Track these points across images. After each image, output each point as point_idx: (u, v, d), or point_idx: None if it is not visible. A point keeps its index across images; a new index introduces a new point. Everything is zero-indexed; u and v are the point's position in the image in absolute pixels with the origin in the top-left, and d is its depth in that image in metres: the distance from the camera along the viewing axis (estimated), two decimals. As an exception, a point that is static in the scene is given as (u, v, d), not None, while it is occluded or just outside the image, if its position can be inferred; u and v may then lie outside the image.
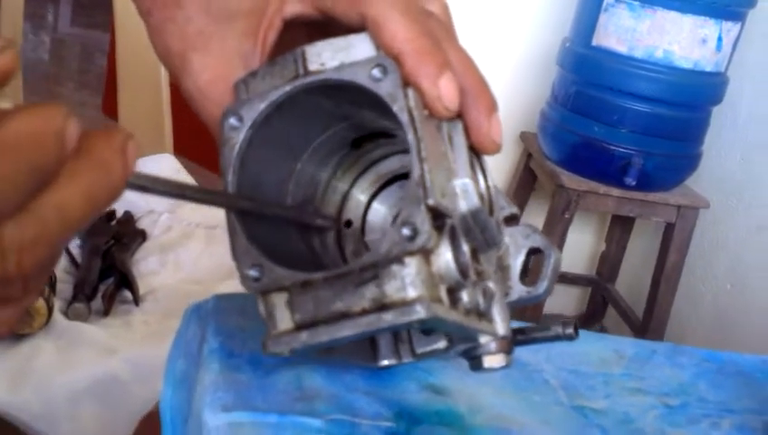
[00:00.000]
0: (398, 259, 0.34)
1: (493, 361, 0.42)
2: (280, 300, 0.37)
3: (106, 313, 1.04)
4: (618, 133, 1.81)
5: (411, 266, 0.34)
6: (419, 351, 0.43)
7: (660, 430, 0.49)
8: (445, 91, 0.36)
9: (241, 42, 0.40)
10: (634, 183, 1.80)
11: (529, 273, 0.45)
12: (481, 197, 0.39)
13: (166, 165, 1.27)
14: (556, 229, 1.87)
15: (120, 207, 1.19)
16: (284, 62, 0.38)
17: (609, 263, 2.28)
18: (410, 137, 0.35)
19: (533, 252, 0.45)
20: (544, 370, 0.53)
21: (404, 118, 0.35)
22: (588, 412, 0.49)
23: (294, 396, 0.45)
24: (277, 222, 0.41)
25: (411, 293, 0.34)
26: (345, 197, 0.46)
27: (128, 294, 1.08)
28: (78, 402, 0.88)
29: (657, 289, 2.00)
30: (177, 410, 0.52)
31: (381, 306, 0.34)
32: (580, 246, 2.32)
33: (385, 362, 0.43)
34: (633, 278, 2.28)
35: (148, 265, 1.15)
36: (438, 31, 0.38)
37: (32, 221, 0.24)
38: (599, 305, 2.36)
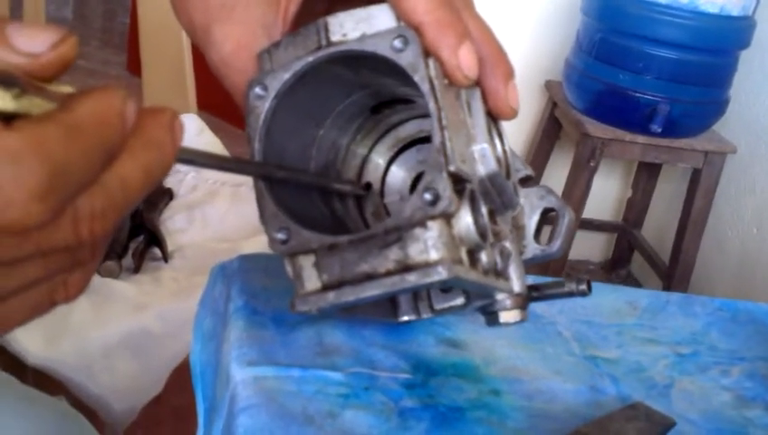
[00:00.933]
0: (421, 223, 0.36)
1: (508, 316, 0.44)
2: (307, 262, 0.38)
3: (136, 270, 1.07)
4: (643, 80, 1.79)
5: (433, 230, 0.36)
6: (438, 307, 0.45)
7: (670, 377, 0.51)
8: (464, 61, 0.37)
9: (264, 12, 0.42)
10: (660, 130, 1.79)
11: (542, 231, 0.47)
12: (498, 161, 0.40)
13: (189, 125, 1.28)
14: (581, 177, 1.87)
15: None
16: (307, 33, 0.39)
17: (635, 209, 2.28)
18: (431, 105, 0.36)
19: (548, 212, 0.47)
20: (558, 322, 0.55)
21: (425, 87, 0.36)
22: (600, 362, 0.51)
23: (316, 351, 0.47)
24: (302, 187, 0.43)
25: (433, 255, 0.35)
26: (364, 160, 0.47)
27: (157, 252, 1.11)
28: (112, 355, 0.91)
29: (683, 234, 2.00)
30: (206, 364, 0.55)
31: (405, 268, 0.36)
32: (606, 193, 2.32)
33: (405, 318, 0.45)
34: (659, 224, 2.27)
35: (175, 224, 1.18)
36: (457, 1, 0.39)
37: (101, 193, 0.26)
38: (624, 252, 2.37)
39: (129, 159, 0.26)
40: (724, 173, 1.95)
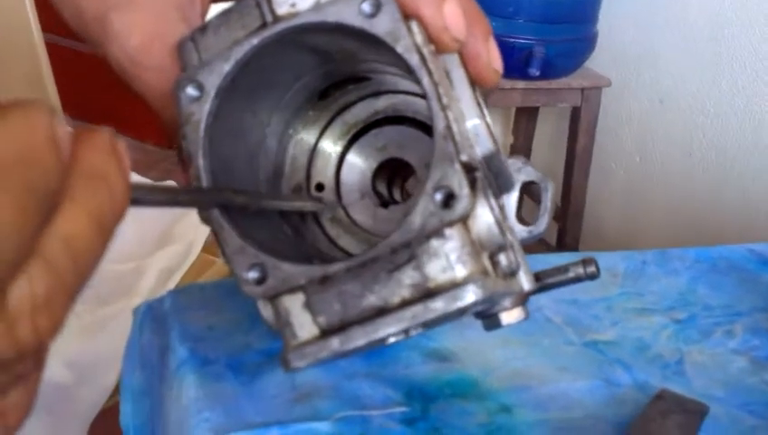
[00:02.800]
0: (437, 232, 0.28)
1: (511, 317, 0.37)
2: (294, 303, 0.30)
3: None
4: (515, 25, 1.76)
5: (454, 239, 0.28)
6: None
7: (678, 351, 0.46)
8: (451, 19, 0.29)
9: None
10: (538, 73, 1.77)
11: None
12: (492, 137, 0.33)
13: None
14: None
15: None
16: (243, 9, 0.31)
17: (519, 154, 2.28)
18: (426, 82, 0.29)
19: (527, 185, 0.40)
20: (544, 306, 0.49)
21: (413, 60, 0.28)
22: (601, 347, 0.46)
23: (290, 398, 0.39)
24: (266, 212, 0.35)
25: (460, 271, 0.28)
26: (312, 156, 0.39)
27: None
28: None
29: (571, 173, 2.01)
30: (141, 429, 0.46)
31: (426, 293, 0.28)
32: (489, 143, 2.31)
33: (392, 340, 0.38)
34: (545, 166, 2.28)
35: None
36: None
37: (41, 268, 0.17)
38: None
39: (69, 205, 0.18)
40: (602, 107, 1.97)
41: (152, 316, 0.46)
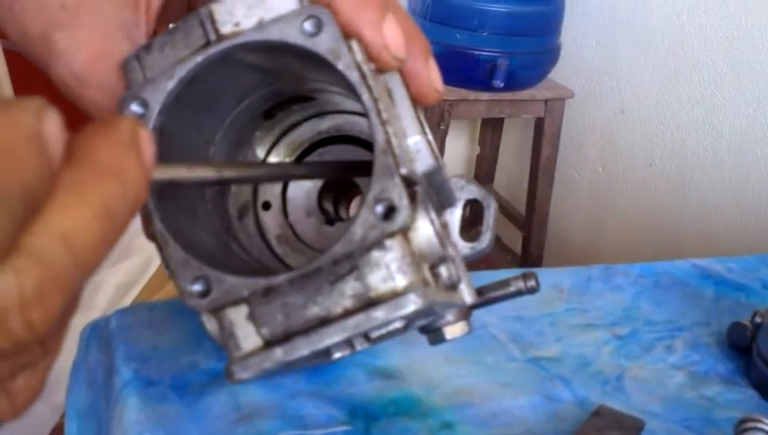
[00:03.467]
0: (378, 244, 0.29)
1: (454, 331, 0.38)
2: (238, 315, 0.30)
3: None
4: (480, 37, 1.78)
5: (395, 250, 0.29)
6: (374, 335, 0.38)
7: (618, 366, 0.47)
8: (391, 38, 0.30)
9: (118, 9, 0.33)
10: (502, 84, 1.79)
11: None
12: (434, 154, 0.34)
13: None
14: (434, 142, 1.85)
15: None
16: (187, 28, 0.31)
17: (485, 165, 2.30)
18: (366, 98, 0.30)
19: (470, 203, 0.41)
20: (488, 323, 0.50)
21: (353, 76, 0.30)
22: (544, 363, 0.46)
23: (234, 419, 0.40)
24: (195, 214, 0.35)
25: (401, 281, 0.29)
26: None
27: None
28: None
29: (535, 183, 2.03)
30: (89, 447, 0.46)
31: (368, 302, 0.29)
32: (456, 153, 2.32)
33: (338, 355, 0.38)
34: (510, 176, 2.31)
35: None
36: None
37: (30, 262, 0.18)
38: (480, 208, 2.39)
39: (72, 201, 0.18)
40: (565, 118, 1.99)
41: (98, 335, 0.46)
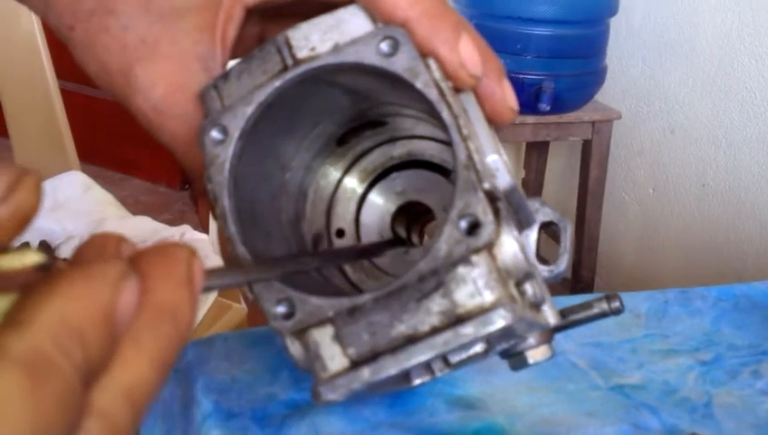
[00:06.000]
0: (464, 259, 0.28)
1: (537, 355, 0.37)
2: (323, 335, 0.30)
3: None
4: (524, 61, 1.77)
5: (481, 266, 0.29)
6: (454, 360, 0.37)
7: (705, 393, 0.45)
8: (467, 57, 0.30)
9: (196, 42, 0.33)
10: (548, 108, 1.78)
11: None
12: (510, 173, 0.33)
13: (74, 183, 1.14)
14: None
15: (33, 238, 1.06)
16: (263, 55, 0.31)
17: (531, 189, 2.28)
18: (446, 114, 0.30)
19: (545, 226, 0.40)
20: (567, 350, 0.49)
21: (432, 94, 0.29)
22: (628, 391, 0.45)
23: (317, 450, 0.39)
24: (270, 236, 0.35)
25: (488, 296, 0.28)
26: (331, 202, 0.40)
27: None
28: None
29: (584, 205, 2.00)
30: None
31: (455, 319, 0.28)
32: (501, 178, 2.31)
33: (418, 381, 0.38)
34: (557, 200, 2.28)
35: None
36: None
37: (99, 425, 0.17)
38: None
39: (134, 353, 0.17)
40: (613, 139, 1.97)
41: (173, 366, 0.46)
